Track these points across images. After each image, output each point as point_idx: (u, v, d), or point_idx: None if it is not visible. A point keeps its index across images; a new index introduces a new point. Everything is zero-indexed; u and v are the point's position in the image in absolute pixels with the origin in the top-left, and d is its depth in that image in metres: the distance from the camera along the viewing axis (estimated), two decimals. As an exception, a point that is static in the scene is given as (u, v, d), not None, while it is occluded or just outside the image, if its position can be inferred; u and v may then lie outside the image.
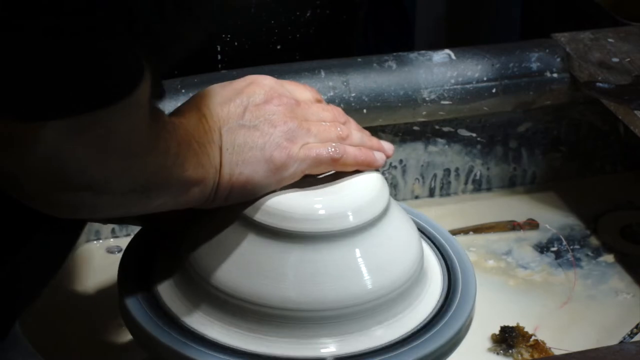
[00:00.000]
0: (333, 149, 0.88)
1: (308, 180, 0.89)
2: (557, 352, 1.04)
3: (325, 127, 0.89)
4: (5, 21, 0.63)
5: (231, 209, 0.87)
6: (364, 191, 0.88)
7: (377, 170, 0.91)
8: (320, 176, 0.90)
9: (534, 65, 1.25)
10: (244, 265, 0.85)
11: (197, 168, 0.80)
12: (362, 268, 0.86)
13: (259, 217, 0.86)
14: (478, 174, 1.31)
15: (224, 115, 0.84)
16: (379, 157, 0.91)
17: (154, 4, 0.69)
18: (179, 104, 1.11)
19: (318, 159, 0.87)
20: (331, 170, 0.90)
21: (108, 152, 0.72)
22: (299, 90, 0.91)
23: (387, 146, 0.93)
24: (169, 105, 1.15)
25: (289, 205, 0.86)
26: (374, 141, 0.92)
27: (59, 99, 0.66)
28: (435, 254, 0.97)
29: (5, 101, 0.66)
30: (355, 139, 0.90)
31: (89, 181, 0.72)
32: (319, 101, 0.92)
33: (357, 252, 0.86)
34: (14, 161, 0.70)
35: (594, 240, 1.23)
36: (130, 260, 0.93)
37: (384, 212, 0.89)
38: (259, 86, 0.87)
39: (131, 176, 0.75)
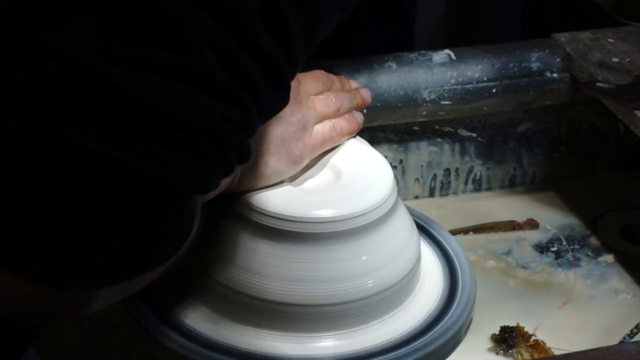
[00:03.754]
0: (332, 128, 0.89)
1: (317, 172, 0.90)
2: (557, 352, 1.04)
3: (325, 102, 0.89)
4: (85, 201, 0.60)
5: (234, 207, 0.87)
6: (374, 190, 0.88)
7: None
8: (328, 167, 0.90)
9: (534, 65, 1.25)
10: (245, 263, 0.85)
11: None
12: (363, 266, 0.86)
13: (261, 217, 0.85)
14: (478, 174, 1.31)
15: None
16: (360, 120, 0.94)
17: None
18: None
19: (324, 142, 0.89)
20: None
21: (150, 279, 0.71)
22: None
23: (366, 95, 0.96)
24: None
25: (295, 206, 0.86)
26: (358, 98, 0.95)
27: (123, 266, 0.64)
28: (435, 254, 0.97)
29: (68, 272, 0.63)
30: (346, 105, 0.92)
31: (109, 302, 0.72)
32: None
33: (359, 250, 0.86)
34: (54, 316, 0.69)
35: (594, 240, 1.23)
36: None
37: (390, 211, 0.89)
38: None
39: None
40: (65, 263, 0.62)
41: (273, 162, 0.84)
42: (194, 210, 0.67)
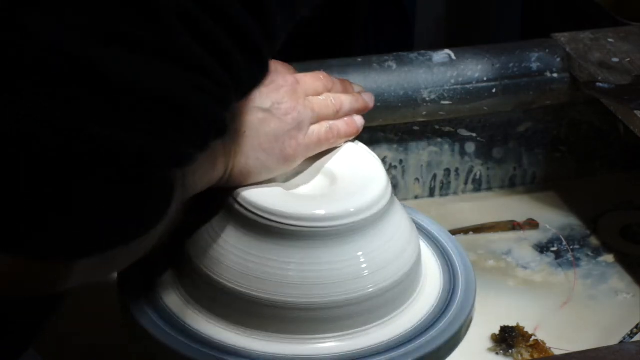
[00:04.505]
0: (329, 129, 0.89)
1: (311, 175, 0.90)
2: (557, 352, 1.04)
3: (323, 103, 0.89)
4: (65, 170, 0.61)
5: (233, 207, 0.87)
6: (367, 190, 0.88)
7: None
8: (322, 170, 0.90)
9: (534, 65, 1.25)
10: (245, 263, 0.85)
11: (212, 171, 0.81)
12: (362, 266, 0.86)
13: (260, 215, 0.85)
14: (478, 174, 1.31)
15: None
16: (360, 124, 0.93)
17: None
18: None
19: (319, 143, 0.89)
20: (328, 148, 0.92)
21: (130, 257, 0.73)
22: (284, 66, 0.90)
23: (369, 99, 0.95)
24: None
25: (291, 204, 0.86)
26: (360, 102, 0.94)
27: (101, 237, 0.65)
28: (435, 254, 0.97)
29: (48, 244, 0.64)
30: (346, 107, 0.91)
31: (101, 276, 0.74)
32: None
33: (357, 250, 0.86)
34: (36, 291, 0.70)
35: (594, 240, 1.23)
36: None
37: (386, 210, 0.89)
38: None
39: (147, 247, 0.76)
40: (44, 235, 0.63)
41: (264, 158, 0.84)
42: (172, 184, 0.68)
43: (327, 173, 0.91)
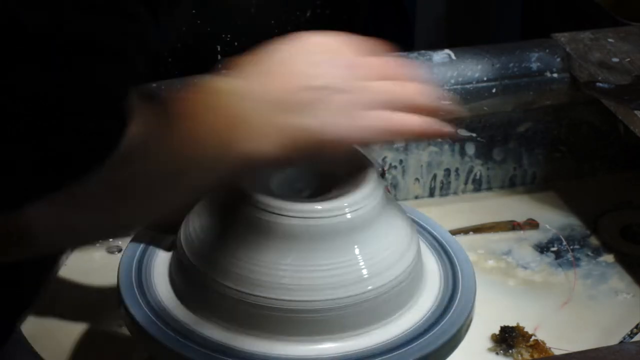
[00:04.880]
0: (396, 119, 0.83)
1: (303, 177, 0.90)
2: (557, 352, 1.04)
3: (387, 88, 0.83)
4: None
5: (230, 205, 0.87)
6: (360, 187, 0.88)
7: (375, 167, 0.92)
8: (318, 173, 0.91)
9: (534, 65, 1.25)
10: (243, 263, 0.85)
11: (256, 138, 0.78)
12: (361, 265, 0.86)
13: (259, 214, 0.86)
14: (478, 174, 1.31)
15: (289, 80, 0.81)
16: (442, 125, 0.85)
17: None
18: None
19: (379, 129, 0.83)
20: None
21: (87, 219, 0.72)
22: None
23: (449, 108, 0.87)
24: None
25: (285, 202, 0.86)
26: (432, 99, 0.85)
27: (36, 183, 0.66)
28: (435, 254, 0.97)
29: None
30: (419, 100, 0.84)
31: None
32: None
33: (355, 250, 0.86)
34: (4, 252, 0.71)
35: (594, 240, 1.23)
36: (130, 260, 0.93)
37: (382, 209, 0.89)
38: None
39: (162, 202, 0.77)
40: None
41: (318, 138, 0.80)
42: (119, 116, 0.67)
43: (323, 175, 0.91)
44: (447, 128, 0.85)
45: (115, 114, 0.67)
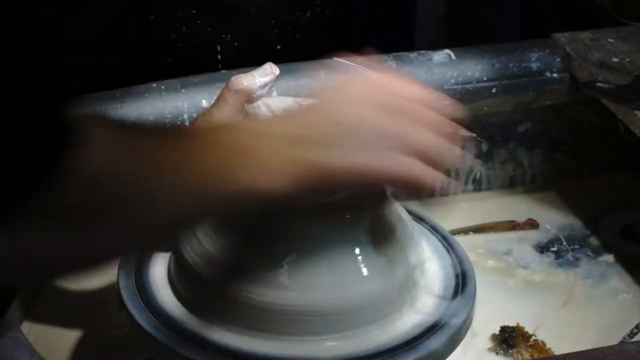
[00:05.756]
0: (419, 170, 0.81)
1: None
2: (557, 352, 1.04)
3: (423, 138, 0.80)
4: None
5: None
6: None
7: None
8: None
9: (534, 65, 1.25)
10: (243, 264, 0.85)
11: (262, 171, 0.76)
12: (361, 267, 0.86)
13: (259, 214, 0.86)
14: (478, 174, 1.31)
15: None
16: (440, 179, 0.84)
17: None
18: (179, 104, 1.11)
19: (401, 176, 0.80)
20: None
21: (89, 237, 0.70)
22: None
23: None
24: (168, 106, 1.15)
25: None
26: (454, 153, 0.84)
27: None
28: (436, 253, 0.97)
29: None
30: (444, 156, 0.83)
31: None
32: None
33: (356, 250, 0.86)
34: None
35: (594, 240, 1.23)
36: (130, 260, 0.93)
37: (383, 210, 0.89)
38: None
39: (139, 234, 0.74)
40: None
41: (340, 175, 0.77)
42: (65, 125, 0.66)
43: None
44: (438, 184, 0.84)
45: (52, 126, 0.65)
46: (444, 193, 1.30)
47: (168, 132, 0.74)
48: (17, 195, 0.64)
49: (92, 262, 0.74)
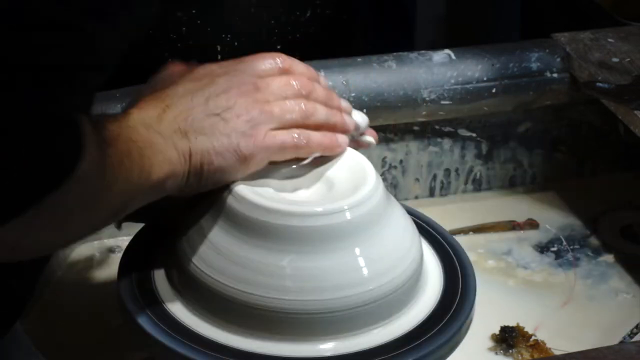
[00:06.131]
0: (297, 136, 0.88)
1: (299, 175, 0.90)
2: (557, 352, 1.04)
3: (288, 107, 0.88)
4: None
5: (227, 208, 0.87)
6: (359, 189, 0.88)
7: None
8: (311, 172, 0.90)
9: (534, 65, 1.25)
10: (243, 265, 0.85)
11: (164, 165, 0.81)
12: (362, 268, 0.86)
13: (259, 215, 0.86)
14: (478, 174, 1.31)
15: (188, 105, 0.84)
16: (342, 141, 0.92)
17: None
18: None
19: (283, 146, 0.87)
20: (298, 156, 0.90)
21: (67, 222, 0.73)
22: (259, 62, 0.90)
23: (349, 122, 0.92)
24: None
25: (284, 203, 0.86)
26: (337, 118, 0.91)
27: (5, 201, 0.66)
28: (435, 254, 0.97)
29: None
30: (320, 116, 0.90)
31: (49, 248, 0.76)
32: (283, 70, 0.90)
33: (356, 251, 0.86)
34: None
35: (594, 240, 1.23)
36: (130, 259, 0.93)
37: (382, 210, 0.89)
38: (218, 76, 0.87)
39: (93, 224, 0.77)
40: None
41: (219, 160, 0.84)
42: (77, 131, 0.69)
43: (323, 180, 0.91)
44: (342, 142, 0.91)
45: (68, 135, 0.68)
46: (443, 193, 1.30)
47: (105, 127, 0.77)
48: (26, 193, 0.67)
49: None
